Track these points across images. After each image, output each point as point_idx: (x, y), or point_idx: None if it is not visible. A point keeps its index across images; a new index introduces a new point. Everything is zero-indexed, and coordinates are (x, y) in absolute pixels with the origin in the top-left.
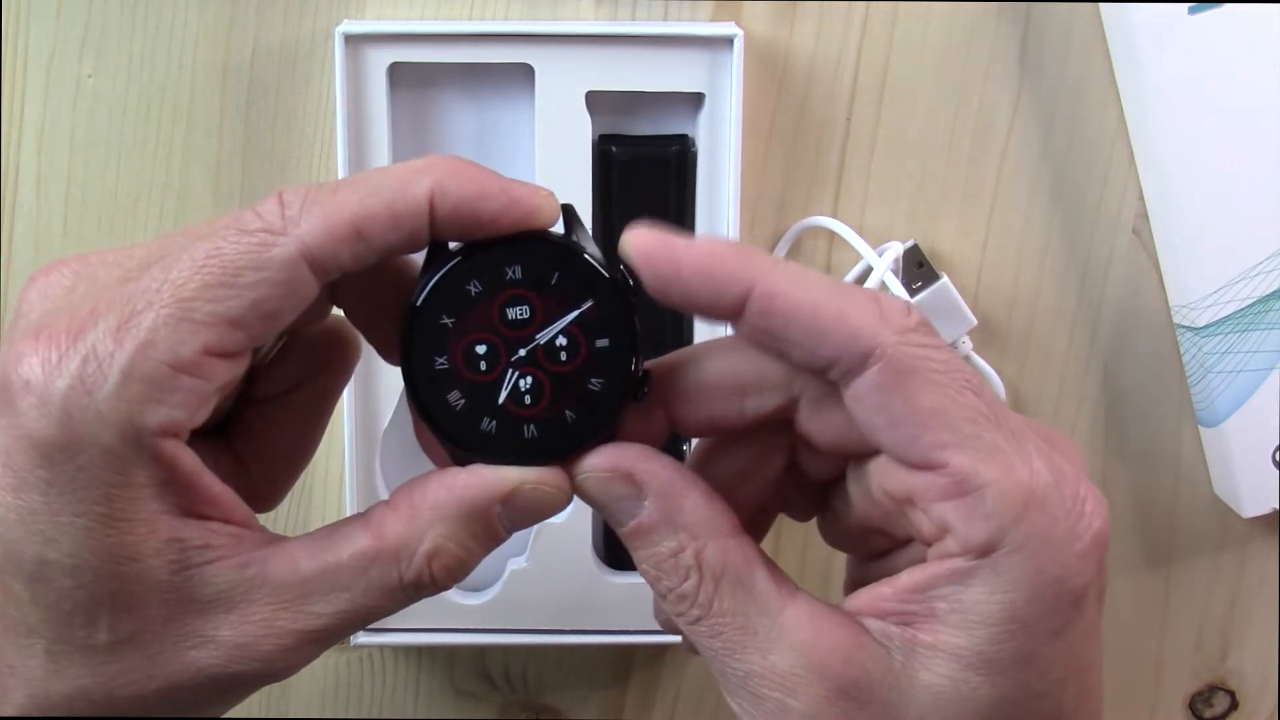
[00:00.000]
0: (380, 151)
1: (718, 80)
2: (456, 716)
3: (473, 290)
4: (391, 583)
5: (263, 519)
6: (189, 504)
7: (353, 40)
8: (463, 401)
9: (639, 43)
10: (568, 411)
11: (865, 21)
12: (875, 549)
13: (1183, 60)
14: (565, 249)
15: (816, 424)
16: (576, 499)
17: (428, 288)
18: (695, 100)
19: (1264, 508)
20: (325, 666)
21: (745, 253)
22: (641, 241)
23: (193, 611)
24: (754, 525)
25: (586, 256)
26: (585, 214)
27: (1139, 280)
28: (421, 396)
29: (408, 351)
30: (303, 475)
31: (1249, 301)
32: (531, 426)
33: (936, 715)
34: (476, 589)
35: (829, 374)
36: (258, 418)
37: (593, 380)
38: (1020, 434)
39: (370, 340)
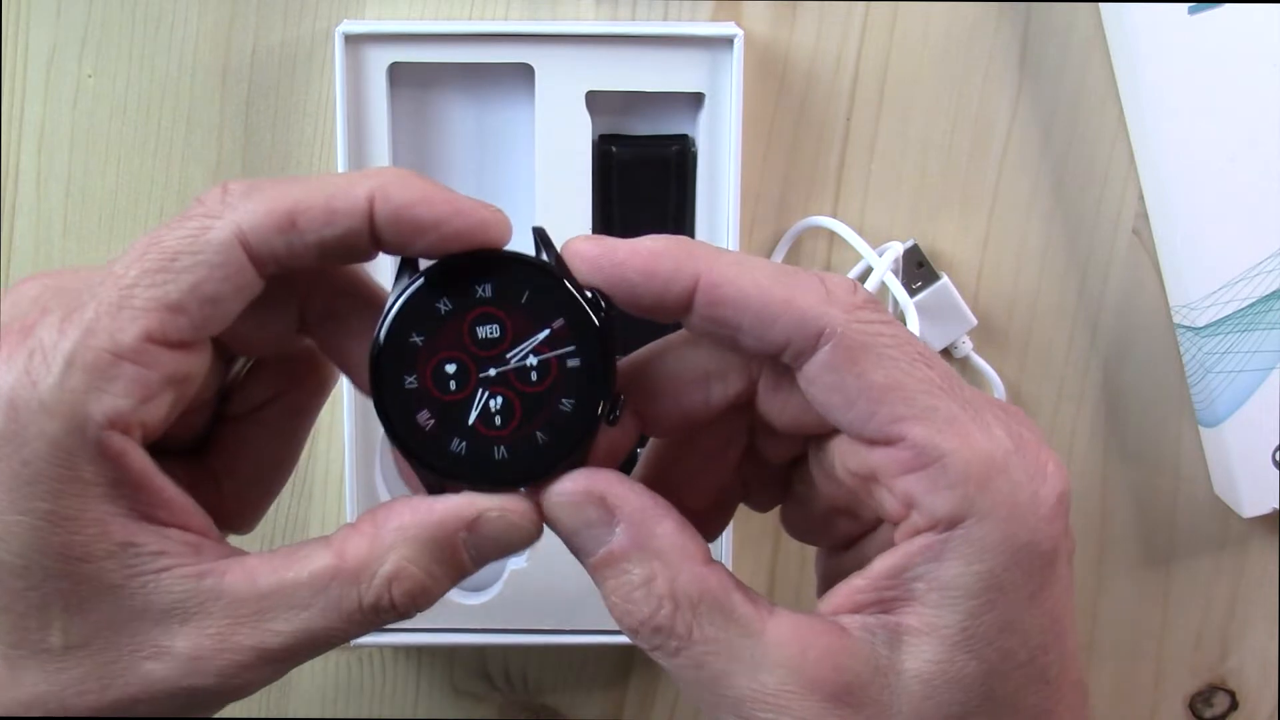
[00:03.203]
0: (380, 151)
1: (718, 80)
2: (456, 716)
3: (442, 308)
4: (350, 604)
5: (262, 526)
6: (144, 508)
7: (353, 40)
8: (432, 422)
9: (639, 43)
10: (538, 433)
11: (865, 21)
12: (842, 535)
13: (1183, 60)
14: (537, 267)
15: (775, 406)
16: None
17: (397, 303)
18: (695, 100)
19: (1264, 508)
20: (325, 666)
21: (686, 246)
22: (582, 249)
23: (147, 620)
24: (714, 515)
25: (557, 274)
26: (585, 214)
27: (1139, 280)
28: (391, 417)
29: (376, 371)
30: (303, 476)
31: (1249, 301)
32: (502, 448)
33: (929, 702)
34: (476, 589)
35: (782, 357)
36: (232, 435)
37: (564, 401)
38: (977, 403)
39: (344, 370)
